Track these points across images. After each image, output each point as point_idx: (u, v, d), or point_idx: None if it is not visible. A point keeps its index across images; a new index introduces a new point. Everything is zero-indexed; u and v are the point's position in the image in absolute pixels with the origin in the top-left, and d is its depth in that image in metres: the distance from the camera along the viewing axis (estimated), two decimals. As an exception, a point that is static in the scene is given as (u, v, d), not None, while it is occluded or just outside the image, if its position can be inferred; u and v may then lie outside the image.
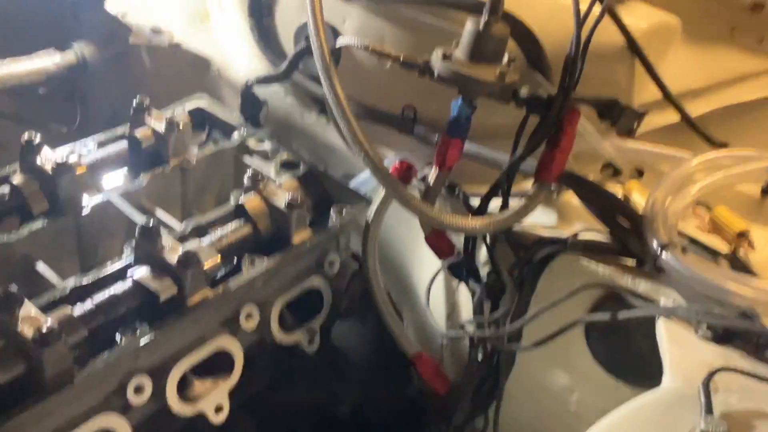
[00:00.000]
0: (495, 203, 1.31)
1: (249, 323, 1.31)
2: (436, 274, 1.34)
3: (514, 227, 1.29)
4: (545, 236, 1.27)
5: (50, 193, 1.30)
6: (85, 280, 1.17)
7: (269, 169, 1.51)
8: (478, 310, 1.31)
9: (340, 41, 1.35)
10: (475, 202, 1.35)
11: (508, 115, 1.28)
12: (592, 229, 1.25)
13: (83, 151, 1.43)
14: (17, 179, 1.30)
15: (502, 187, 1.27)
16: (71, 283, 1.16)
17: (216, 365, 1.29)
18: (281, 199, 1.32)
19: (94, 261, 1.35)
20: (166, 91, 1.74)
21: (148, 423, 1.24)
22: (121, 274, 1.18)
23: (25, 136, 1.32)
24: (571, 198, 1.34)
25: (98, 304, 1.11)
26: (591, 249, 1.23)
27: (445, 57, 1.21)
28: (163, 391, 1.19)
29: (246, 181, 1.35)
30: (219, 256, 1.21)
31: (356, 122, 1.24)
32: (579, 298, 1.21)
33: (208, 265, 1.19)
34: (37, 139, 1.32)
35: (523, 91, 1.21)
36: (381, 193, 1.37)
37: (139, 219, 1.32)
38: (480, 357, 1.35)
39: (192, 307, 1.17)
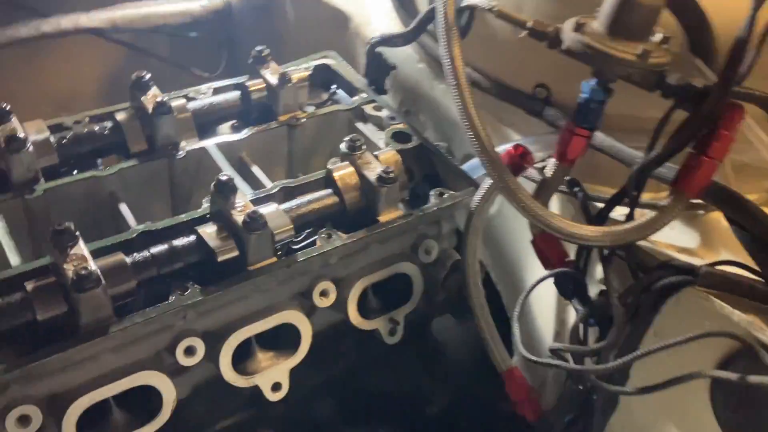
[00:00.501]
0: (621, 211, 1.08)
1: (323, 301, 1.20)
2: (535, 284, 1.14)
3: (638, 243, 1.06)
4: (674, 261, 1.02)
5: (150, 134, 1.28)
6: (155, 228, 1.12)
7: (379, 139, 1.38)
8: (577, 335, 1.09)
9: (466, 1, 1.18)
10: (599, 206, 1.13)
11: (655, 105, 1.04)
12: (736, 262, 0.99)
13: (197, 95, 1.40)
14: (120, 116, 1.28)
15: (630, 192, 1.04)
16: (140, 228, 1.12)
17: (291, 343, 1.21)
18: (373, 172, 1.19)
19: (185, 210, 1.31)
20: (306, 44, 1.67)
21: (204, 390, 1.18)
22: (191, 228, 1.12)
23: (135, 73, 1.29)
24: (719, 219, 1.08)
25: (154, 254, 1.05)
26: (729, 286, 0.96)
27: (578, 27, 1.00)
28: (217, 357, 1.12)
29: (342, 147, 1.23)
30: (291, 224, 1.11)
31: (470, 92, 1.08)
32: (706, 345, 0.97)
33: (277, 231, 1.09)
34: (146, 77, 1.29)
35: (672, 78, 0.97)
36: (488, 180, 1.19)
37: (228, 171, 1.25)
38: (577, 391, 1.14)
39: (253, 273, 1.08)
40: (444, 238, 1.32)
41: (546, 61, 1.22)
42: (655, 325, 1.03)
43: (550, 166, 1.12)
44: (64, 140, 1.23)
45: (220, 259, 1.06)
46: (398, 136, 1.36)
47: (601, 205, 1.11)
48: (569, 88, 1.22)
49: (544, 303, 1.36)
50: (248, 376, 1.16)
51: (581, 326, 1.11)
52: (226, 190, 1.09)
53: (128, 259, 1.03)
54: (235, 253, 1.07)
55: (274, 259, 1.10)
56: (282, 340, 1.20)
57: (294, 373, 1.21)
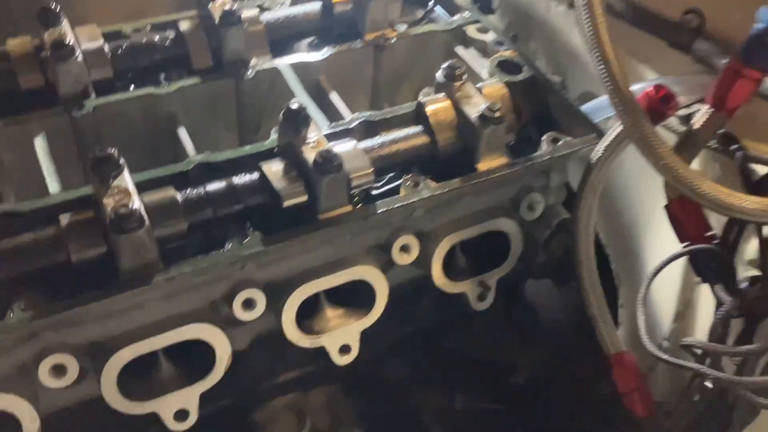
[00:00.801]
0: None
1: (404, 257, 1.02)
2: (668, 261, 0.93)
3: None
4: None
5: (216, 48, 1.10)
6: (214, 160, 0.96)
7: (482, 67, 1.16)
8: (717, 331, 0.88)
9: None
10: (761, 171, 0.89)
11: None
12: None
13: (273, 6, 1.21)
14: (184, 25, 1.11)
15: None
16: (198, 158, 0.96)
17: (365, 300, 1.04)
18: (475, 108, 0.98)
19: (253, 140, 1.14)
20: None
21: (266, 342, 1.04)
22: (256, 163, 0.95)
23: (202, -24, 1.11)
24: None
25: (210, 192, 0.89)
26: None
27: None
28: (280, 312, 0.97)
29: (438, 76, 1.02)
30: (371, 167, 0.92)
31: (604, 18, 0.86)
32: None
33: (354, 175, 0.91)
34: (216, -18, 1.11)
35: None
36: (617, 126, 0.96)
37: (303, 97, 1.07)
38: (705, 392, 0.94)
39: (323, 224, 0.91)
40: (551, 192, 1.11)
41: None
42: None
43: (700, 114, 0.89)
44: (120, 50, 1.07)
45: (286, 204, 0.89)
46: (505, 66, 1.14)
47: (765, 169, 0.87)
48: (730, 16, 0.98)
49: (664, 278, 1.14)
50: (314, 336, 1.00)
51: (719, 324, 0.89)
52: (297, 120, 0.92)
53: (180, 196, 0.87)
54: (304, 198, 0.89)
55: (350, 207, 0.92)
56: (354, 294, 1.04)
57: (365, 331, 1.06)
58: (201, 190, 0.88)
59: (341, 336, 1.03)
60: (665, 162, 0.84)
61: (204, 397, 0.99)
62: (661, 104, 0.92)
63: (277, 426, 1.24)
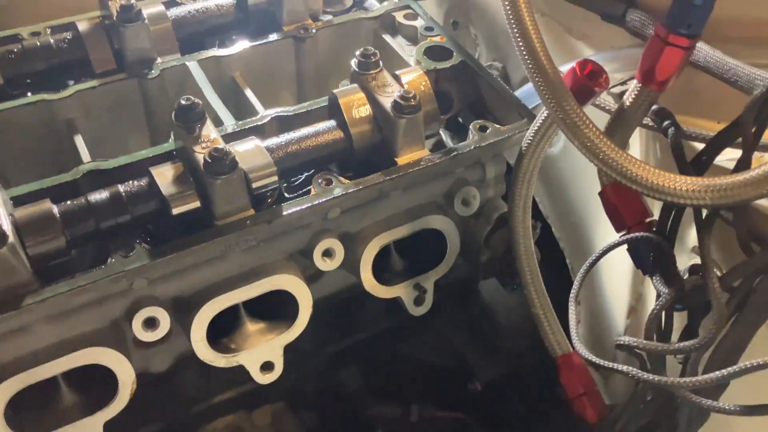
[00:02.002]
0: (730, 156, 0.77)
1: (327, 263, 0.94)
2: (602, 254, 0.85)
3: (754, 204, 0.74)
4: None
5: (118, 49, 1.02)
6: (106, 167, 0.88)
7: (411, 56, 1.08)
8: (655, 326, 0.79)
9: None
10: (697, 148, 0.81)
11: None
12: None
13: (184, 0, 1.13)
14: (83, 25, 1.03)
15: (745, 131, 0.71)
16: (87, 167, 0.88)
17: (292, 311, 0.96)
18: (390, 98, 0.90)
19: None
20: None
21: (191, 362, 0.95)
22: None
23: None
24: None
25: (92, 203, 0.81)
26: None
27: None
28: (188, 331, 0.89)
29: (353, 64, 0.94)
30: (273, 166, 0.84)
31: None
32: None
33: (254, 174, 0.83)
34: (119, -24, 1.03)
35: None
36: (545, 110, 0.88)
37: (211, 95, 0.99)
38: (657, 394, 0.85)
39: (221, 230, 0.82)
40: (489, 185, 1.03)
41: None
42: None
43: (631, 90, 0.81)
44: (12, 55, 0.99)
45: (175, 211, 0.80)
46: (433, 52, 1.06)
47: (701, 146, 0.79)
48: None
49: (617, 270, 1.06)
50: (230, 355, 0.92)
51: (655, 318, 0.81)
52: (190, 118, 0.84)
53: (57, 209, 0.79)
54: (196, 204, 0.81)
55: (252, 211, 0.84)
56: (289, 307, 0.96)
57: (302, 342, 0.97)
58: (82, 200, 0.80)
59: (262, 353, 0.94)
60: (590, 143, 0.76)
61: (131, 423, 0.91)
62: (587, 81, 0.83)
63: (216, 449, 1.16)
